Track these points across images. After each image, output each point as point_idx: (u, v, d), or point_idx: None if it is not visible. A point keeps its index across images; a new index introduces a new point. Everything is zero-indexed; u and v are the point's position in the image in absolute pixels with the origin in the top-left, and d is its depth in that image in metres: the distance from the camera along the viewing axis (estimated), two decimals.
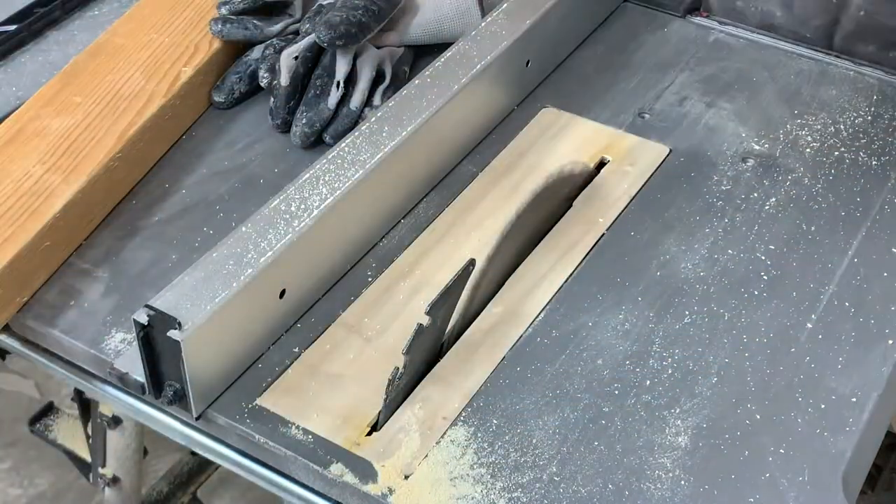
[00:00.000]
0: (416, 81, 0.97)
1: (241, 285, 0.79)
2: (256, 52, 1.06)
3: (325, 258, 0.88)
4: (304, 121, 1.00)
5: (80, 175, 0.92)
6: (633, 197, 0.98)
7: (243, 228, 0.83)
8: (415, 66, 1.10)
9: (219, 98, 1.05)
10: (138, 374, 0.79)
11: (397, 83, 1.05)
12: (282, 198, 0.85)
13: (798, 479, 0.76)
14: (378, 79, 1.04)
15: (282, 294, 0.83)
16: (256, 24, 1.06)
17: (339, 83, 1.01)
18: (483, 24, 1.04)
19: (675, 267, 0.92)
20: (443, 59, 0.99)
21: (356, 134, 0.92)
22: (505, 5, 1.06)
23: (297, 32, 1.08)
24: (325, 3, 1.09)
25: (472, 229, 0.95)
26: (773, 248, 0.93)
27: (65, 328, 0.86)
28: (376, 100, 1.03)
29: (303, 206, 0.85)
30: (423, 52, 1.12)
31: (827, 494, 0.75)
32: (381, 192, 0.92)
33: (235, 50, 1.08)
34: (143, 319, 0.76)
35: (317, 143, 1.01)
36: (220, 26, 1.05)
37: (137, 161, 0.97)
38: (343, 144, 0.90)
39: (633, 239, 0.94)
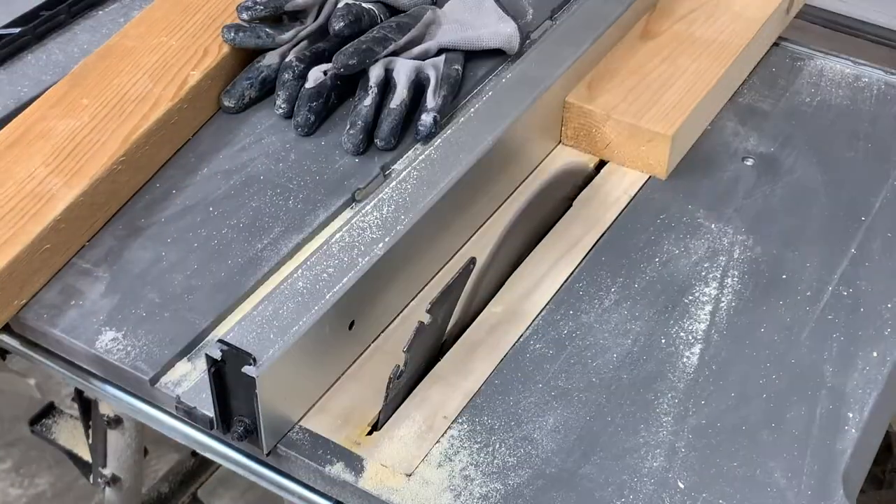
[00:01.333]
0: (480, 105, 0.97)
1: (314, 319, 0.77)
2: (268, 59, 1.06)
3: (392, 289, 0.87)
4: (347, 127, 1.00)
5: (83, 178, 0.91)
6: (633, 197, 0.98)
7: (312, 259, 0.82)
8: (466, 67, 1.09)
9: (229, 103, 1.05)
10: (206, 409, 0.78)
11: (451, 83, 1.04)
12: (346, 230, 0.84)
13: (798, 479, 0.76)
14: (425, 85, 1.04)
15: (351, 325, 0.82)
16: (269, 32, 1.06)
17: (371, 87, 1.01)
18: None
19: (675, 267, 0.92)
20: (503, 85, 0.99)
21: (419, 161, 0.91)
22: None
23: (307, 39, 1.07)
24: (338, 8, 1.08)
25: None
26: (772, 247, 0.93)
27: (65, 328, 0.86)
28: (430, 102, 1.02)
29: (369, 237, 0.84)
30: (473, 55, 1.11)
31: (827, 494, 0.75)
32: (448, 218, 0.90)
33: (244, 54, 1.07)
34: (217, 355, 0.74)
35: (367, 147, 1.00)
36: (232, 34, 1.05)
37: (142, 165, 0.97)
38: (405, 173, 0.89)
39: (633, 239, 0.94)
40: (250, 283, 0.89)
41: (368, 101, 1.01)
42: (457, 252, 0.93)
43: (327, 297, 0.79)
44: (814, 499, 0.75)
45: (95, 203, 0.92)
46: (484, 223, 0.95)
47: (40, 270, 0.88)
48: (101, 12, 1.18)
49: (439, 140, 0.94)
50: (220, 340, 0.75)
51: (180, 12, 1.08)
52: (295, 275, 0.81)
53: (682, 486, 0.75)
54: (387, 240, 0.84)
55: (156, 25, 1.07)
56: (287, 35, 1.07)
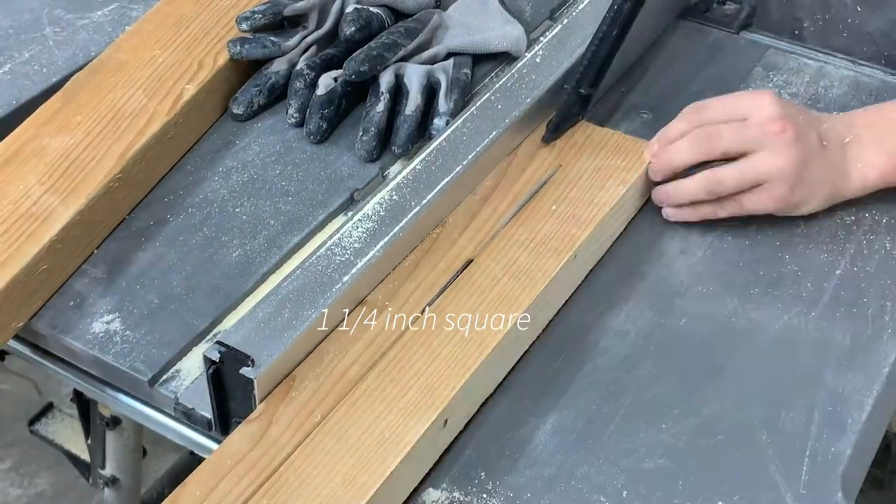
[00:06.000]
0: (479, 106, 0.96)
1: (312, 320, 0.77)
2: (276, 65, 1.05)
3: None
4: (360, 133, 0.99)
5: (80, 197, 0.89)
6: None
7: (311, 260, 0.82)
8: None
9: (237, 110, 1.04)
10: (205, 410, 0.78)
11: (461, 86, 1.04)
12: (345, 230, 0.84)
13: (797, 479, 0.76)
14: (436, 89, 1.04)
15: None
16: (273, 40, 1.05)
17: (382, 93, 1.00)
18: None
19: (675, 267, 0.92)
20: (498, 92, 0.98)
21: (417, 163, 0.90)
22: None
23: (314, 45, 1.07)
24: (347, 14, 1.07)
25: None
26: (771, 247, 0.93)
27: (63, 328, 0.85)
28: (442, 107, 1.02)
29: (368, 237, 0.84)
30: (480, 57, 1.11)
31: (826, 494, 0.75)
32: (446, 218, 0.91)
33: (240, 66, 1.06)
34: (215, 356, 0.74)
35: (381, 153, 1.00)
36: (238, 48, 1.04)
37: (139, 181, 0.95)
38: (403, 175, 0.89)
39: (632, 239, 0.94)
40: (249, 283, 0.89)
41: (381, 107, 1.00)
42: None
43: (326, 297, 0.79)
44: (812, 501, 0.75)
45: (92, 221, 0.90)
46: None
47: (38, 292, 0.86)
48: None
49: (439, 140, 0.93)
50: (218, 342, 0.75)
51: (173, 24, 1.06)
52: (293, 275, 0.81)
53: (681, 485, 0.75)
54: (385, 240, 0.84)
55: (149, 38, 1.05)
56: (292, 41, 1.06)
